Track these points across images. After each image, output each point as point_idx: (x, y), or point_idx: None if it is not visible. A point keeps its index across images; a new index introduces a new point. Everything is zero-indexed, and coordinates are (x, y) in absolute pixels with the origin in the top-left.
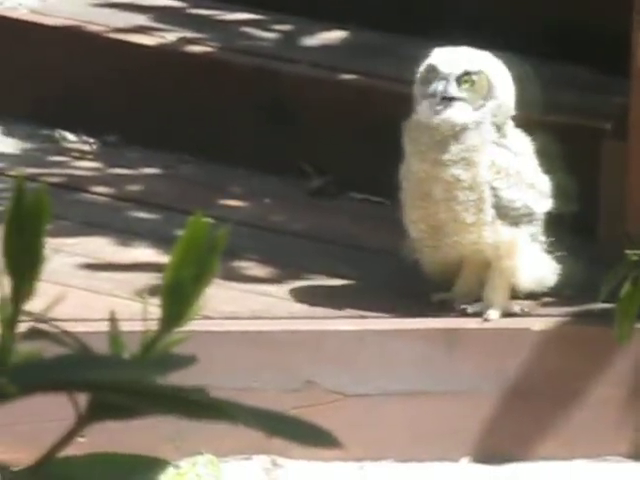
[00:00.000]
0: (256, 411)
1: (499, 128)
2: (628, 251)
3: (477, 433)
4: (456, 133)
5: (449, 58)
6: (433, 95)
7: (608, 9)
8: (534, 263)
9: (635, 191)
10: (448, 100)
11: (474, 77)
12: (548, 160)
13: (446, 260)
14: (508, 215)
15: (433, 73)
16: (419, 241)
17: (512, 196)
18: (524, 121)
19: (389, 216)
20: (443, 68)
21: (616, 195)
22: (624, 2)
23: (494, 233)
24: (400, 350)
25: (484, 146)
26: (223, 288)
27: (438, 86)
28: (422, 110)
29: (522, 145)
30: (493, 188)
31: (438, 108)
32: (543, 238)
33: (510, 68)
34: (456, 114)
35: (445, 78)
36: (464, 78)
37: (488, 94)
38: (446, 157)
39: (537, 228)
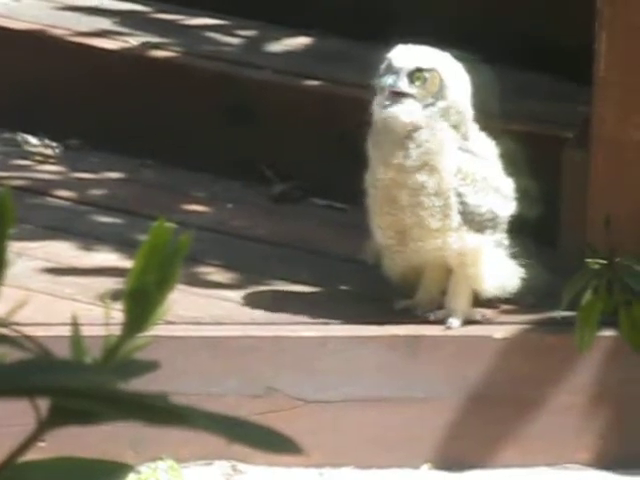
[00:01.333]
0: (217, 417)
1: (458, 130)
2: (589, 260)
3: (438, 440)
4: (409, 133)
5: (405, 54)
6: (383, 88)
7: (573, 19)
8: (498, 269)
9: (596, 199)
10: (397, 95)
11: (426, 74)
12: (512, 164)
13: (410, 266)
14: (474, 221)
15: (388, 67)
16: (386, 247)
17: (478, 202)
18: (488, 126)
19: (351, 222)
20: (396, 62)
21: (577, 203)
22: (588, 12)
23: (459, 239)
24: (362, 356)
25: (445, 151)
26: (185, 293)
27: (388, 79)
28: (375, 105)
29: (487, 149)
30: (459, 194)
31: (386, 103)
32: (507, 242)
33: (471, 72)
34: (403, 110)
35: (397, 72)
36: (416, 74)
37: (439, 93)
38: (409, 163)
39: (501, 233)
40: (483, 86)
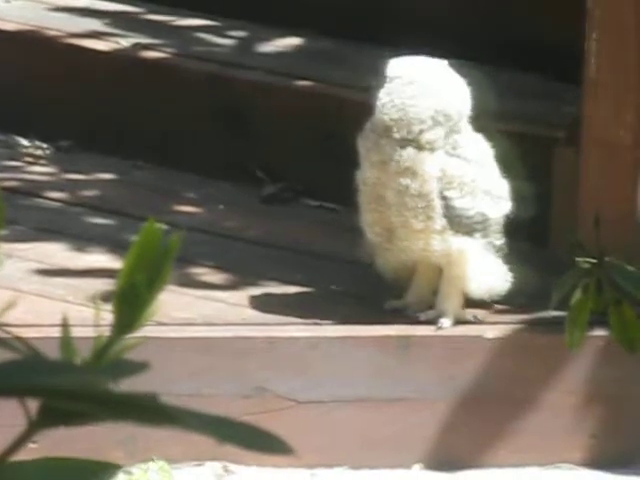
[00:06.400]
0: (207, 417)
1: (446, 137)
2: (579, 259)
3: (430, 440)
4: (383, 134)
5: (395, 61)
6: None
7: (561, 18)
8: (486, 271)
9: (586, 199)
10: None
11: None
12: (506, 165)
13: (400, 264)
14: (461, 224)
15: None
16: (375, 244)
17: (465, 205)
18: (483, 128)
19: (342, 223)
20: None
21: (567, 203)
22: (577, 11)
23: (443, 242)
24: (353, 357)
25: (425, 157)
26: (176, 294)
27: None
28: None
29: (479, 150)
30: (445, 198)
31: None
32: (498, 244)
33: (466, 76)
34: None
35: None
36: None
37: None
38: (390, 165)
39: (493, 234)
40: (478, 89)
